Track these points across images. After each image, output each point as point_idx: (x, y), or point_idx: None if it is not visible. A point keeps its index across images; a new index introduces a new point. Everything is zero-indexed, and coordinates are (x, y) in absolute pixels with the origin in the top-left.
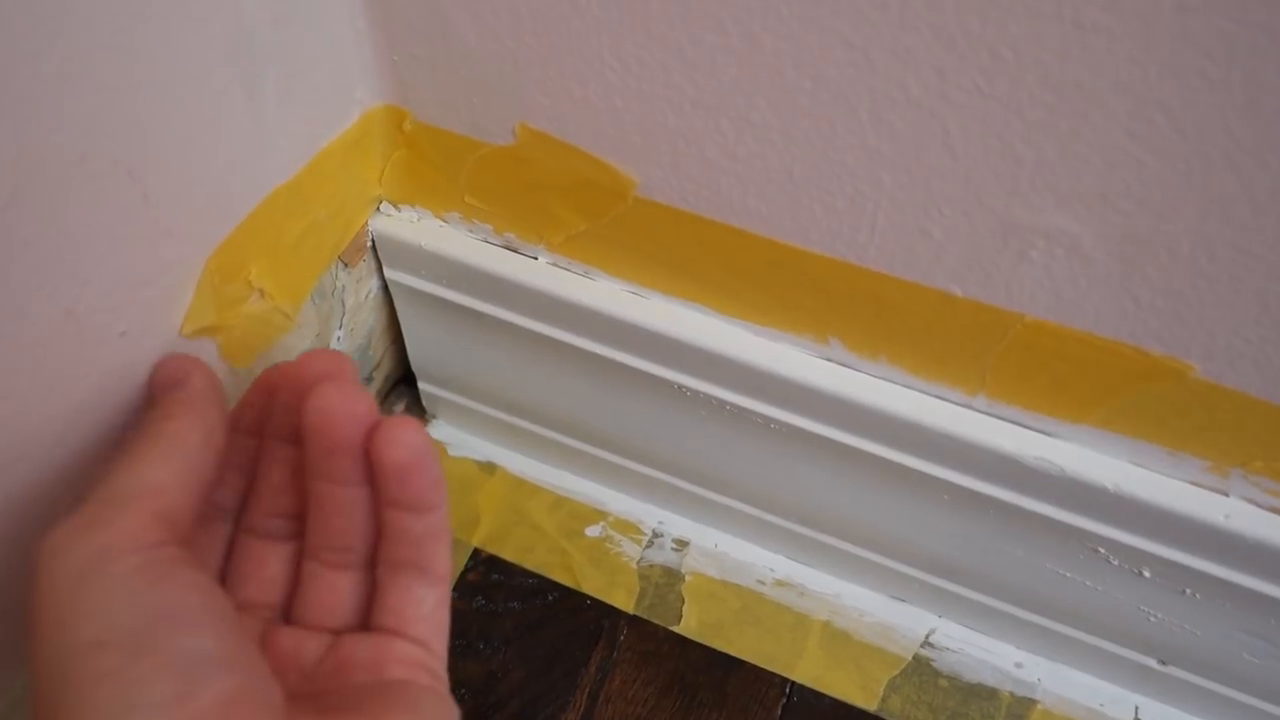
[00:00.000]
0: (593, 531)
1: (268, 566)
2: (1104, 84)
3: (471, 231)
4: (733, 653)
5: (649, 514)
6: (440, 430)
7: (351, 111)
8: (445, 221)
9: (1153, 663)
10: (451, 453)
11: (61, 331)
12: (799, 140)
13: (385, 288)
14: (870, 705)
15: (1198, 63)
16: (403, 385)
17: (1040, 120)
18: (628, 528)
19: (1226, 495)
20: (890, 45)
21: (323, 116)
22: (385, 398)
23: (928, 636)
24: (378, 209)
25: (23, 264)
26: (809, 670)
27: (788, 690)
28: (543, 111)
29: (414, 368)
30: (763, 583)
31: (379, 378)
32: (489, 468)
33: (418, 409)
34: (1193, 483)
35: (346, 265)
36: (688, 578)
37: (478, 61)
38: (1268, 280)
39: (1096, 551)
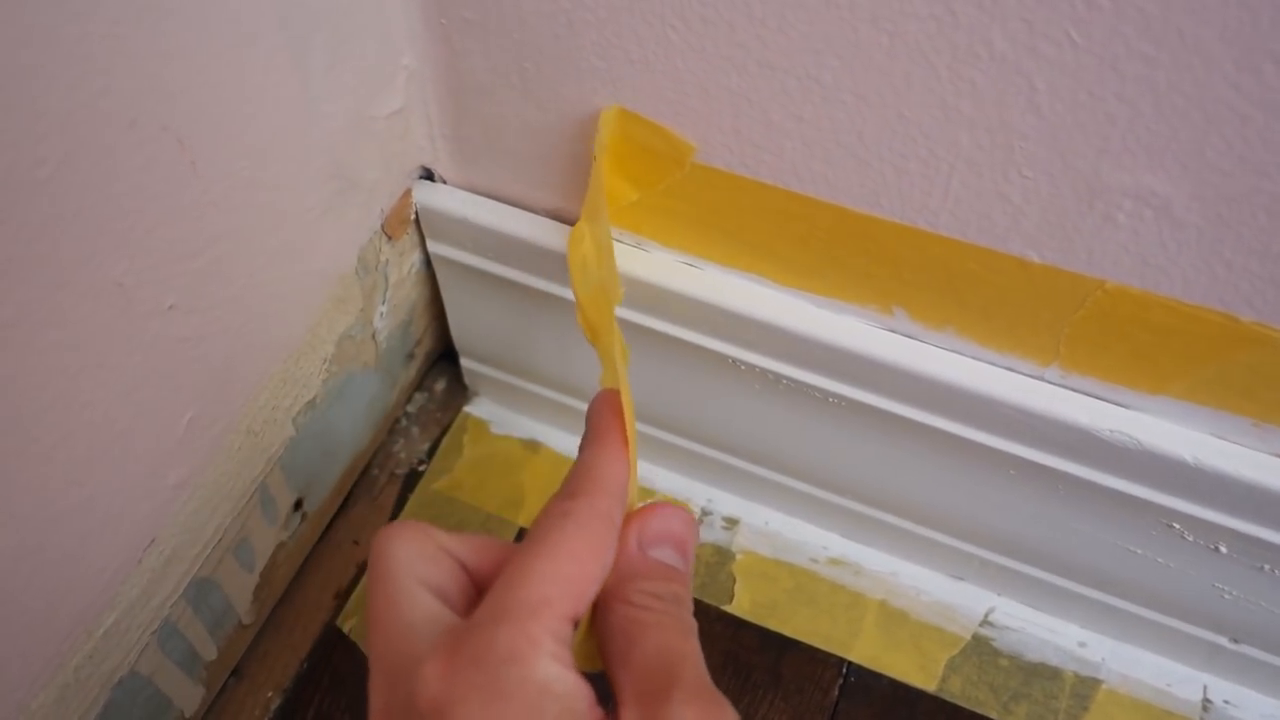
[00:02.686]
0: None
1: None
2: (1209, 32)
3: (518, 203)
4: (787, 633)
5: (697, 491)
6: (482, 408)
7: (398, 78)
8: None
9: (1224, 641)
10: (494, 430)
11: (110, 304)
12: (871, 100)
13: (428, 262)
14: (930, 686)
15: None
16: (444, 361)
17: (1137, 74)
18: None
19: None
20: None
21: (369, 84)
22: (426, 374)
23: (987, 615)
24: (421, 180)
25: (72, 234)
26: (866, 650)
27: (844, 670)
28: (598, 75)
29: (456, 344)
30: (816, 561)
31: (420, 354)
32: (533, 446)
33: (459, 386)
34: (1278, 455)
35: (390, 238)
36: (739, 556)
37: (530, 24)
38: None
39: (1171, 527)
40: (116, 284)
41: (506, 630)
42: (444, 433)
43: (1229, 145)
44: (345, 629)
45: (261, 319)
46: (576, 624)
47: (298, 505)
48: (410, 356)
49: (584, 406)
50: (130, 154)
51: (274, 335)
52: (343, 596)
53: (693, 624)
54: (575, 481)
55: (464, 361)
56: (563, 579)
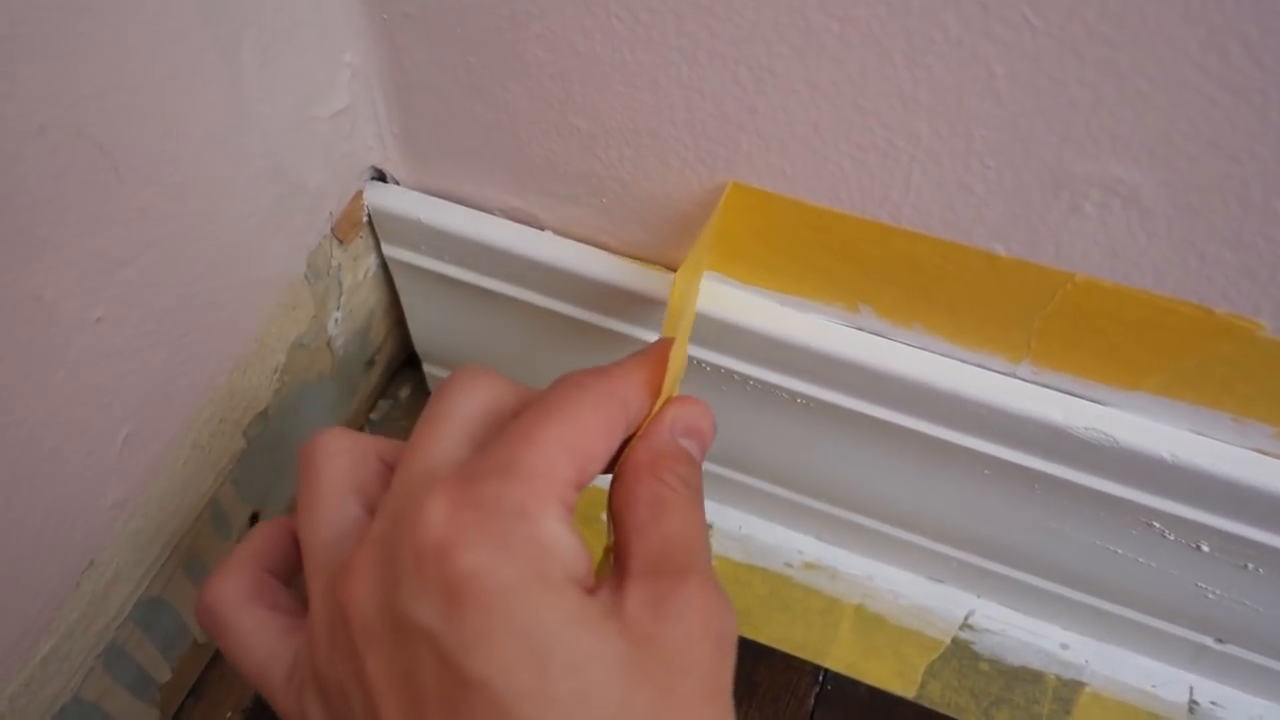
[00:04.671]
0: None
1: None
2: (1171, 13)
3: (473, 204)
4: (761, 640)
5: None
6: None
7: (341, 76)
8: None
9: (1209, 641)
10: None
11: (29, 319)
12: (826, 90)
13: (385, 265)
14: (909, 692)
15: None
16: (408, 368)
17: (1098, 57)
18: None
19: None
20: None
21: (309, 83)
22: (389, 382)
23: (967, 618)
24: (372, 181)
25: None
26: (843, 657)
27: (820, 678)
28: (545, 69)
29: (418, 349)
30: (791, 566)
31: (381, 361)
32: None
33: (423, 393)
34: (1259, 450)
35: (342, 242)
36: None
37: (471, 17)
38: None
39: (1151, 526)
40: (35, 298)
41: (517, 485)
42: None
43: (1196, 130)
44: None
45: (202, 329)
46: (577, 493)
47: (253, 519)
48: (370, 363)
49: None
50: (41, 162)
51: (217, 346)
52: None
53: (705, 518)
54: (602, 369)
55: (427, 367)
56: (572, 449)
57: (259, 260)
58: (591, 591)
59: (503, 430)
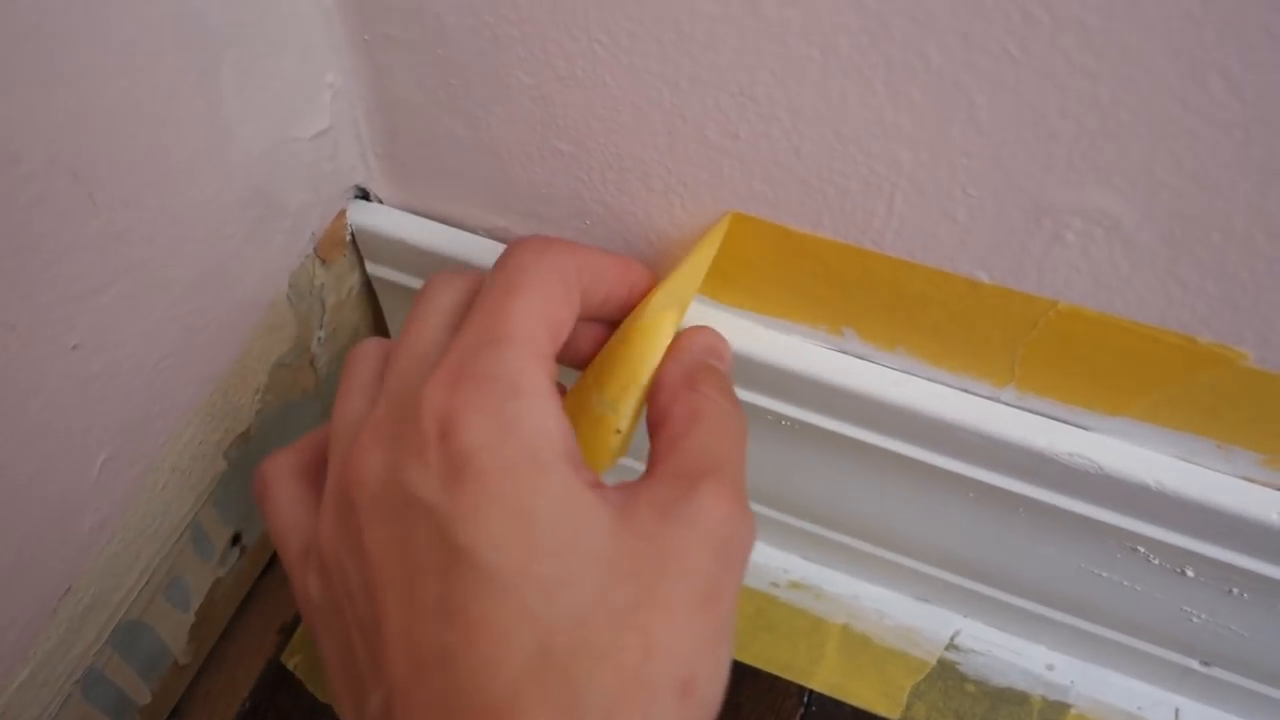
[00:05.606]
0: None
1: None
2: (1153, 45)
3: (457, 223)
4: (745, 661)
5: None
6: None
7: (323, 97)
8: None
9: (1195, 664)
10: None
11: (2, 348)
12: (807, 117)
13: (369, 284)
14: (894, 714)
15: (1263, 17)
16: None
17: (1079, 89)
18: None
19: None
20: (908, 8)
21: (290, 103)
22: None
23: (953, 639)
24: (356, 200)
25: None
26: (827, 678)
27: (805, 700)
28: (527, 92)
29: None
30: (776, 585)
31: None
32: None
33: None
34: (1244, 477)
35: (325, 261)
36: None
37: (454, 40)
38: None
39: (1136, 550)
40: (8, 327)
41: (507, 359)
42: None
43: (1178, 162)
44: (290, 665)
45: (182, 353)
46: (555, 362)
47: (236, 540)
48: None
49: None
50: (14, 192)
51: (197, 369)
52: (287, 632)
53: (744, 432)
54: (557, 239)
55: None
56: (543, 317)
57: (240, 282)
58: (594, 484)
59: (476, 304)
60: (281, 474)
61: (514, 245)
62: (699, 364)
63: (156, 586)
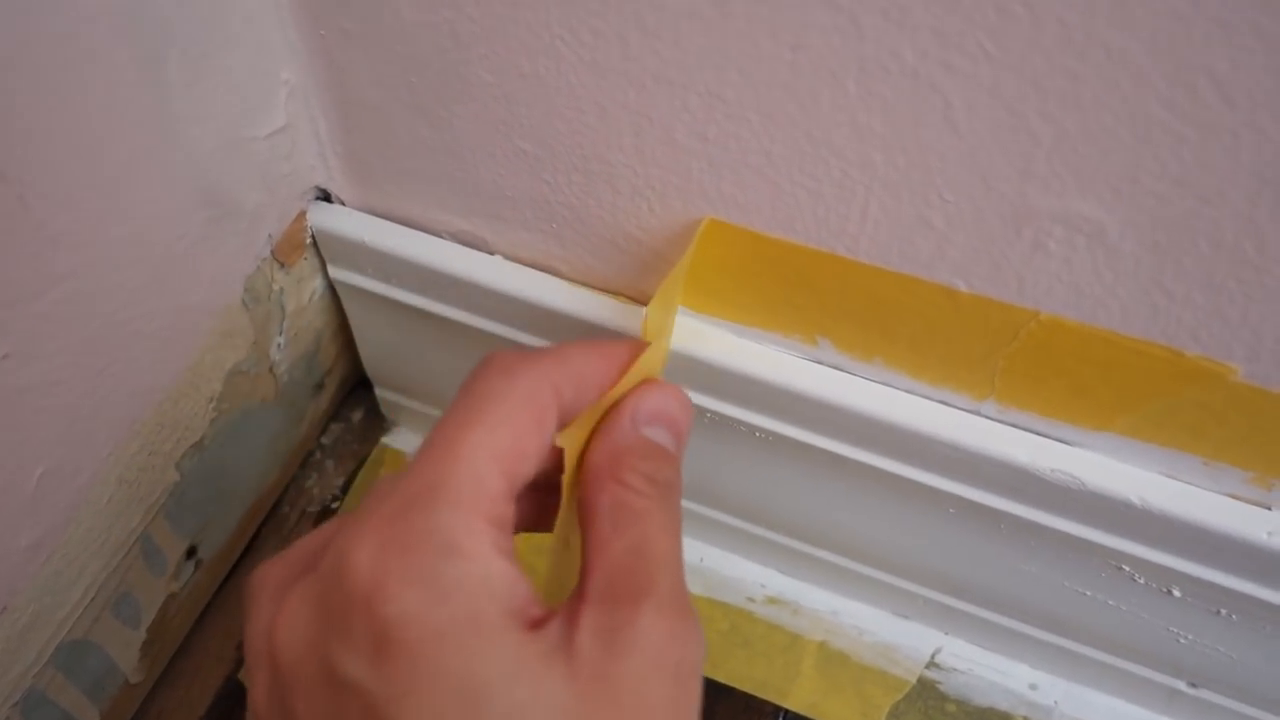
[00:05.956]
0: None
1: None
2: (1137, 46)
3: (421, 226)
4: (720, 679)
5: None
6: (401, 438)
7: (278, 94)
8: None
9: (1182, 685)
10: None
11: None
12: (778, 118)
13: (332, 287)
14: None
15: (1253, 17)
16: (361, 389)
17: (1060, 90)
18: None
19: (1269, 509)
20: (881, 5)
21: (243, 102)
22: (342, 404)
23: (933, 656)
24: (317, 201)
25: None
26: (804, 697)
27: (780, 719)
28: (489, 90)
29: (369, 373)
30: (753, 600)
31: (331, 384)
32: None
33: (378, 415)
34: (1232, 495)
35: (283, 265)
36: None
37: (413, 36)
38: None
39: (1120, 569)
40: None
41: (444, 514)
42: (360, 466)
43: (1163, 168)
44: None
45: (126, 360)
46: (513, 501)
47: (191, 553)
48: (319, 387)
49: None
50: None
51: (144, 377)
52: None
53: (680, 518)
54: (533, 352)
55: (379, 391)
56: (501, 456)
57: (190, 287)
58: (539, 624)
59: (426, 440)
60: (266, 588)
61: (481, 365)
62: (632, 444)
63: (104, 603)
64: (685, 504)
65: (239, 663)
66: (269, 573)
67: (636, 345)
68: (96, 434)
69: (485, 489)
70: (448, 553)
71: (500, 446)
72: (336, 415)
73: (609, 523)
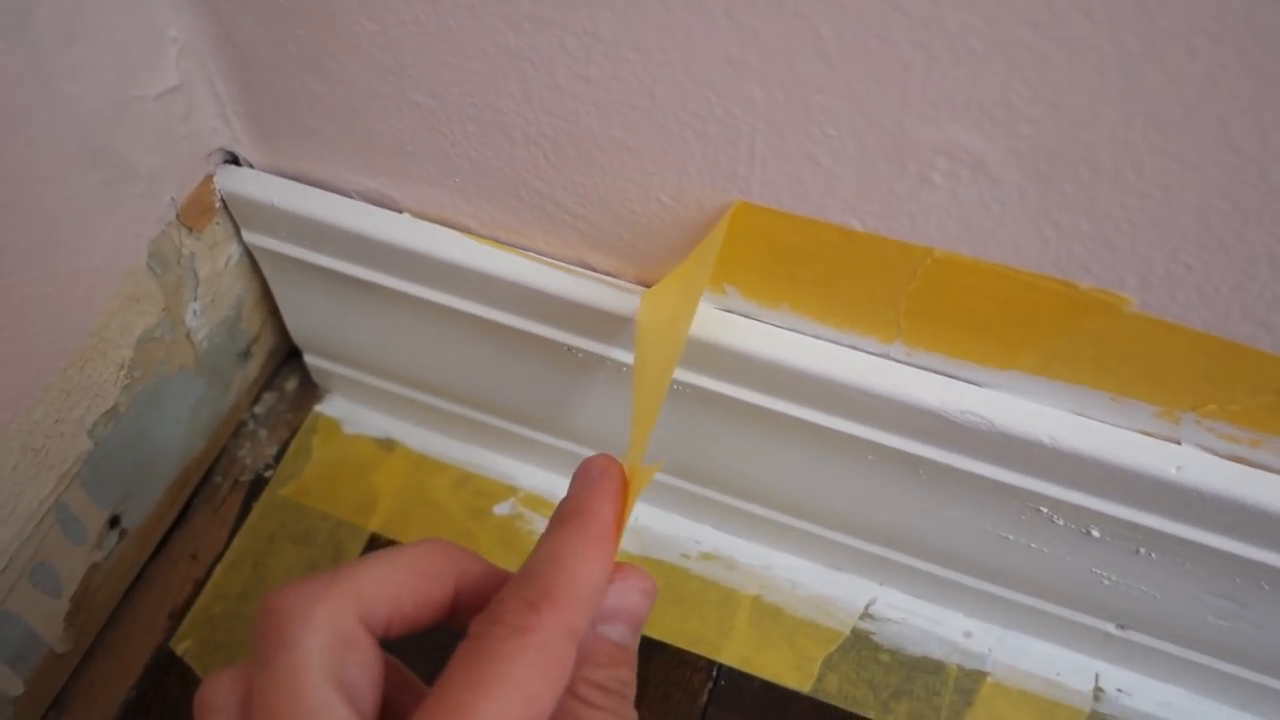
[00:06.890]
0: (502, 509)
1: None
2: None
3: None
4: (654, 636)
5: (563, 488)
6: (334, 406)
7: (167, 52)
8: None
9: (1111, 627)
10: (346, 430)
11: None
12: (655, 55)
13: (249, 252)
14: (804, 686)
15: None
16: (295, 358)
17: (923, 13)
18: (540, 504)
19: (1179, 444)
20: None
21: (127, 60)
22: (275, 374)
23: (867, 607)
24: (225, 165)
25: None
26: (737, 651)
27: (714, 674)
28: (374, 40)
29: (295, 340)
30: (688, 556)
31: (260, 352)
32: (388, 444)
33: (310, 384)
34: (1141, 431)
35: (192, 229)
36: None
37: None
38: (1206, 193)
39: (1039, 511)
40: None
41: None
42: (294, 434)
43: (1034, 91)
44: (179, 651)
45: (18, 327)
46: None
47: (114, 522)
48: (246, 355)
49: (441, 403)
50: None
51: (41, 342)
52: (177, 616)
53: (635, 716)
54: (542, 579)
55: (308, 358)
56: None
57: (85, 251)
58: None
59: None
60: (216, 703)
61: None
62: (587, 652)
63: (18, 572)
64: None
65: (171, 631)
66: (216, 686)
67: (616, 516)
68: None
69: None
70: None
71: (515, 716)
72: (270, 384)
73: None
